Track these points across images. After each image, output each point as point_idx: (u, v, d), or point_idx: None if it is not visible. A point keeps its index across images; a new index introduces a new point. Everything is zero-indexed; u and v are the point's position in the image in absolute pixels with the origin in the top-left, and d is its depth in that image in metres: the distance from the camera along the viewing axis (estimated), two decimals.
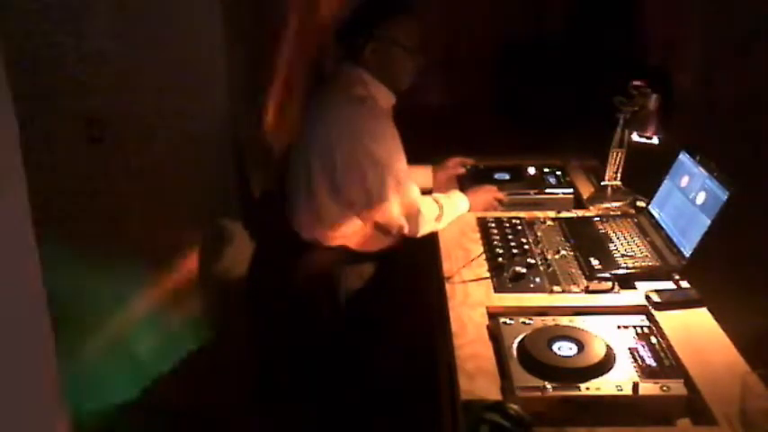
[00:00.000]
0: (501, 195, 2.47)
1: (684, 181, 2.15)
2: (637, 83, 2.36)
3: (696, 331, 1.76)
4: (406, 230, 2.27)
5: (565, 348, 1.64)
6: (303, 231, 2.29)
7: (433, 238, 2.34)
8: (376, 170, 2.18)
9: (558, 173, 2.65)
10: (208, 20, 2.39)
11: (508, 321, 1.75)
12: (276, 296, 2.36)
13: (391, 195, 2.21)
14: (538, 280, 1.99)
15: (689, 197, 2.08)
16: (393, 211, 2.23)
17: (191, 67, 2.41)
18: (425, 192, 2.42)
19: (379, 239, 2.31)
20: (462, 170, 2.70)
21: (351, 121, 2.20)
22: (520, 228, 2.28)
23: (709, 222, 1.93)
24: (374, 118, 2.22)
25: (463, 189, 2.55)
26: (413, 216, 2.25)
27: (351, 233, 2.27)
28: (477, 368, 1.64)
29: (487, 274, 2.03)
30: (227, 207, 2.61)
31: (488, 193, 2.47)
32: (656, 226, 2.21)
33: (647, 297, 1.88)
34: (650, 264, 2.04)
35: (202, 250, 2.60)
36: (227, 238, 2.61)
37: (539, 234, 2.25)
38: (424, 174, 2.62)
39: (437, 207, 2.30)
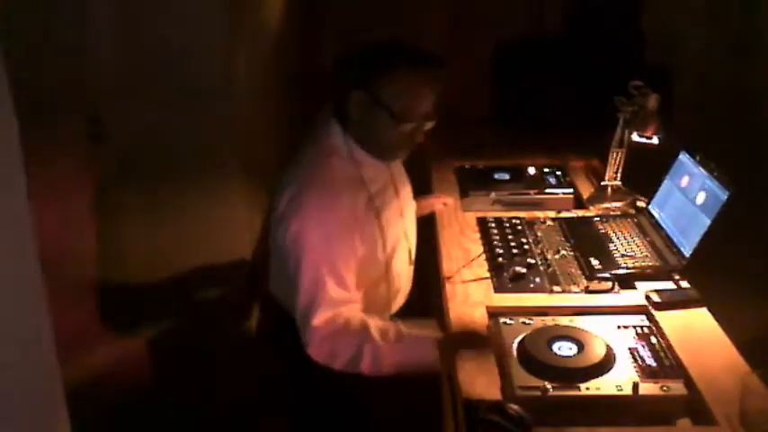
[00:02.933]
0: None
1: (684, 181, 2.15)
2: (637, 83, 2.36)
3: (696, 331, 1.76)
4: (302, 335, 1.78)
5: (565, 348, 1.64)
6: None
7: (433, 238, 2.34)
8: (305, 265, 1.76)
9: (558, 173, 2.65)
10: (208, 20, 2.39)
11: (508, 321, 1.75)
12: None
13: (304, 296, 1.77)
14: (538, 280, 1.99)
15: (689, 197, 2.08)
16: (298, 307, 1.78)
17: (191, 67, 2.41)
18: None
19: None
20: (441, 207, 2.46)
21: (304, 194, 1.79)
22: (520, 228, 2.28)
23: (709, 222, 1.93)
24: (330, 198, 1.80)
25: (464, 190, 2.54)
26: (306, 331, 1.77)
27: None
28: (477, 368, 1.64)
29: (487, 274, 2.03)
30: (230, 199, 2.61)
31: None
32: (656, 226, 2.21)
33: (647, 297, 1.88)
34: (650, 264, 2.04)
35: (203, 247, 2.60)
36: (229, 230, 2.60)
37: (539, 234, 2.25)
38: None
39: (352, 349, 1.74)
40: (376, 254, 1.90)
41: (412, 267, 2.11)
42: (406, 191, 2.10)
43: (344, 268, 1.79)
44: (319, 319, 1.74)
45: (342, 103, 1.82)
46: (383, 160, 1.91)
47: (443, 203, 2.48)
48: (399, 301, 2.07)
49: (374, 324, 1.76)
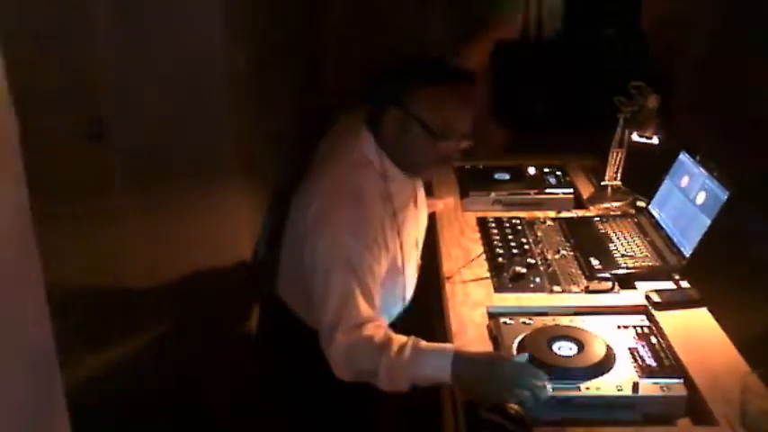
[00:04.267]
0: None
1: (684, 181, 2.15)
2: (637, 83, 2.36)
3: (696, 331, 1.76)
4: (325, 348, 1.74)
5: (565, 348, 1.64)
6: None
7: (432, 237, 2.34)
8: (337, 273, 1.72)
9: (558, 173, 2.65)
10: (208, 19, 2.39)
11: (508, 321, 1.75)
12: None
13: (332, 311, 1.72)
14: (538, 280, 1.99)
15: (689, 197, 2.08)
16: (323, 320, 1.74)
17: (191, 66, 2.41)
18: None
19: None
20: (441, 208, 2.44)
21: (338, 204, 1.77)
22: (520, 228, 2.28)
23: (709, 222, 1.93)
24: (362, 212, 1.77)
25: (463, 191, 2.54)
26: (329, 347, 1.73)
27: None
28: None
29: (487, 274, 2.03)
30: (230, 198, 2.61)
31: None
32: (656, 226, 2.21)
33: (647, 297, 1.88)
34: (650, 264, 2.04)
35: (204, 248, 2.60)
36: (229, 230, 2.60)
37: (539, 234, 2.25)
38: None
39: (370, 363, 1.66)
40: (396, 267, 1.88)
41: (416, 275, 2.09)
42: (422, 198, 2.09)
43: (373, 284, 1.75)
44: (345, 334, 1.68)
45: (377, 118, 1.80)
46: (415, 176, 1.92)
47: (443, 203, 2.48)
48: (404, 304, 2.08)
49: (396, 340, 1.67)
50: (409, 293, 2.06)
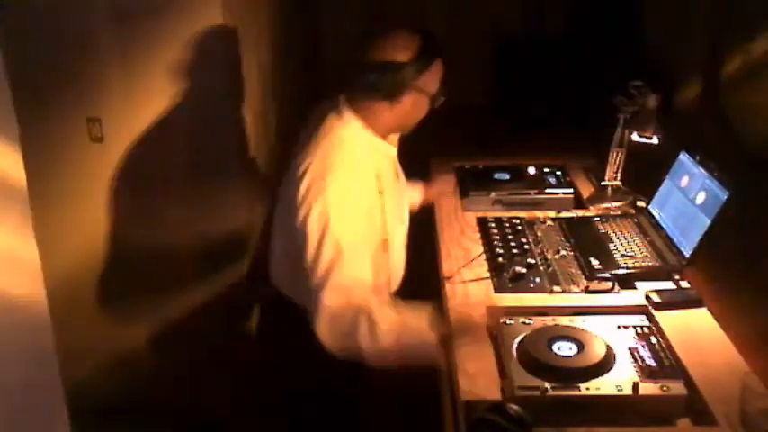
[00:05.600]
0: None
1: (684, 181, 2.15)
2: (637, 83, 2.36)
3: (696, 331, 1.76)
4: (312, 315, 1.81)
5: (565, 348, 1.64)
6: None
7: (432, 237, 2.34)
8: (327, 238, 1.79)
9: (558, 173, 2.65)
10: (208, 17, 2.39)
11: (508, 321, 1.75)
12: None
13: (319, 277, 1.79)
14: (538, 280, 1.99)
15: (689, 197, 2.08)
16: (312, 283, 1.81)
17: (191, 66, 2.41)
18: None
19: None
20: (450, 189, 2.55)
21: (328, 175, 1.83)
22: (520, 228, 2.28)
23: (709, 222, 1.93)
24: (353, 177, 1.86)
25: (463, 191, 2.54)
26: (318, 313, 1.79)
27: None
28: (477, 368, 1.64)
29: (487, 274, 2.03)
30: (230, 199, 2.61)
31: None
32: (656, 226, 2.21)
33: (647, 297, 1.88)
34: (650, 264, 2.04)
35: (204, 245, 2.60)
36: (229, 231, 2.61)
37: (539, 234, 2.25)
38: (411, 193, 2.38)
39: (365, 322, 1.76)
40: (382, 240, 1.94)
41: (405, 251, 2.12)
42: (402, 177, 2.17)
43: (362, 250, 1.83)
44: (331, 299, 1.77)
45: (371, 102, 1.90)
46: (403, 133, 2.04)
47: (438, 190, 2.50)
48: (394, 285, 2.09)
49: (378, 304, 1.79)
50: (398, 270, 2.08)
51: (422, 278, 2.39)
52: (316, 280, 1.79)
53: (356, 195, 1.85)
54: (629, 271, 2.01)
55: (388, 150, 2.02)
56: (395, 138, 2.07)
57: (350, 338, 1.78)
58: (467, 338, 1.78)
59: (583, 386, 1.51)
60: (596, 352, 1.61)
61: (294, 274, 1.88)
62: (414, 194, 2.37)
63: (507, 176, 2.65)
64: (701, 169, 2.07)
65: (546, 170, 2.67)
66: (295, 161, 1.93)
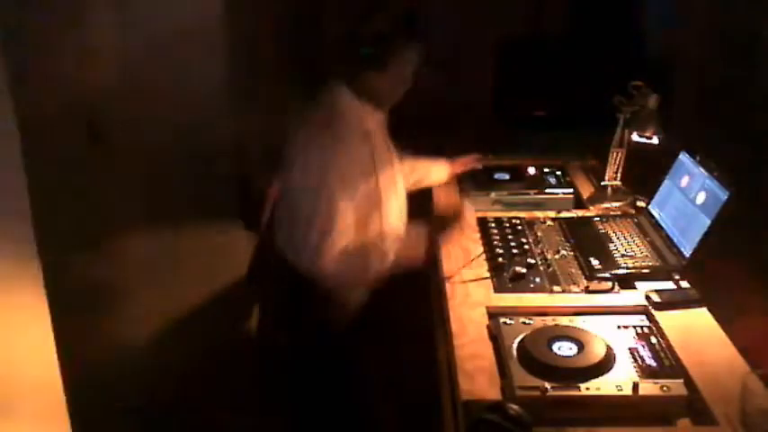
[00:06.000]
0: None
1: (684, 181, 2.15)
2: (637, 83, 2.36)
3: (696, 331, 1.76)
4: (315, 261, 2.03)
5: (565, 348, 1.64)
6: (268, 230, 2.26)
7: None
8: (323, 200, 1.99)
9: (558, 173, 2.65)
10: (207, 18, 2.39)
11: (508, 321, 1.75)
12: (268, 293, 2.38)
13: (317, 231, 2.00)
14: (538, 280, 1.99)
15: (689, 197, 2.08)
16: (308, 238, 2.01)
17: (190, 64, 2.41)
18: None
19: None
20: (479, 165, 2.64)
21: (317, 145, 2.04)
22: (520, 228, 2.28)
23: (709, 222, 1.93)
24: (342, 145, 2.05)
25: (464, 190, 2.54)
26: (318, 262, 2.01)
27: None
28: (477, 368, 1.64)
29: (487, 274, 2.03)
30: (229, 199, 2.62)
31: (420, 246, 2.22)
32: (656, 226, 2.21)
33: (647, 297, 1.88)
34: (650, 264, 2.04)
35: (203, 249, 2.60)
36: (228, 237, 2.61)
37: (539, 234, 2.25)
38: (438, 170, 2.58)
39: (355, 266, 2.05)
40: (374, 198, 2.12)
41: (403, 226, 2.23)
42: (394, 151, 2.32)
43: (359, 202, 2.04)
44: (332, 245, 1.99)
45: (358, 78, 2.08)
46: (391, 104, 2.20)
47: (462, 163, 2.60)
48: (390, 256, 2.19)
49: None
50: (389, 236, 2.16)
51: (422, 276, 2.39)
52: (319, 227, 1.98)
53: (351, 152, 2.04)
54: (629, 271, 2.01)
55: (375, 114, 2.17)
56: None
57: (357, 274, 2.06)
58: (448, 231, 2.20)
59: (583, 386, 1.51)
60: (596, 352, 1.61)
61: (295, 230, 2.05)
62: (439, 169, 2.55)
63: (507, 176, 2.66)
64: (701, 169, 2.07)
65: (546, 170, 2.67)
66: (292, 142, 2.10)
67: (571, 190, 2.55)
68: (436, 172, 2.57)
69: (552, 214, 2.38)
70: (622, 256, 2.08)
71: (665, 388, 1.50)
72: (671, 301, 1.86)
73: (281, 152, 2.20)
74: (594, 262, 2.04)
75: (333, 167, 2.01)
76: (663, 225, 2.18)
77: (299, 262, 2.06)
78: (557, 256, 2.11)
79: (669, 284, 1.94)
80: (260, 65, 2.73)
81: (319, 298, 2.14)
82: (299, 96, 2.31)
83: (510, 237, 2.22)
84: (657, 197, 2.29)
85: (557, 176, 2.63)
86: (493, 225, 2.30)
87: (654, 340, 1.70)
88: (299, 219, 2.04)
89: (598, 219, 2.32)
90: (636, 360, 1.62)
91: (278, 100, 2.71)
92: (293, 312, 2.32)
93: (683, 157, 2.20)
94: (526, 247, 2.16)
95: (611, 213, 2.39)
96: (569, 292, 1.94)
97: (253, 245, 2.60)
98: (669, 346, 1.68)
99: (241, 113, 2.57)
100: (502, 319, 1.76)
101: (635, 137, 2.39)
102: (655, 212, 2.26)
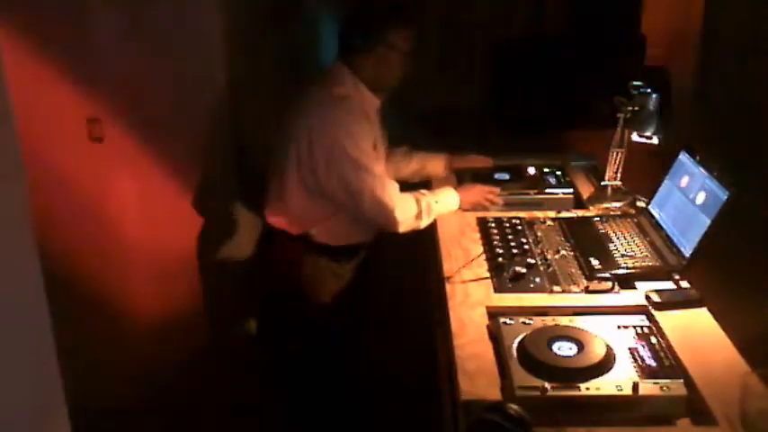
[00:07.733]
0: (494, 197, 2.46)
1: (684, 181, 2.15)
2: (637, 83, 2.36)
3: (696, 331, 1.76)
4: (384, 226, 2.31)
5: (565, 348, 1.64)
6: (270, 215, 2.35)
7: (433, 237, 2.34)
8: (354, 170, 2.21)
9: (558, 173, 2.65)
10: (207, 17, 2.39)
11: (508, 321, 1.75)
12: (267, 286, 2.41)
13: (367, 192, 2.23)
14: (538, 280, 1.99)
15: (689, 197, 2.08)
16: (368, 208, 2.26)
17: (190, 63, 2.41)
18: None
19: (345, 235, 2.37)
20: (488, 164, 2.73)
21: (330, 120, 2.23)
22: (520, 228, 2.28)
23: (709, 222, 1.93)
24: (353, 119, 2.25)
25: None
26: (387, 215, 2.26)
27: (314, 222, 2.33)
28: (477, 368, 1.64)
29: (487, 274, 2.03)
30: (229, 199, 2.61)
31: (481, 193, 2.46)
32: (656, 226, 2.21)
33: (647, 297, 1.88)
34: (650, 264, 2.04)
35: (204, 245, 2.60)
36: (228, 231, 2.61)
37: (539, 234, 2.25)
38: (435, 162, 2.67)
39: (415, 206, 2.29)
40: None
41: None
42: (386, 143, 2.51)
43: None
44: (384, 188, 2.24)
45: (352, 59, 2.30)
46: (388, 89, 2.38)
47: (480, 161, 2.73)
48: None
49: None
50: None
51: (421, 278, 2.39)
52: (366, 191, 2.21)
53: (361, 127, 2.24)
54: (629, 271, 2.01)
55: (373, 99, 2.35)
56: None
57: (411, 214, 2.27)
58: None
59: (583, 386, 1.51)
60: (596, 352, 1.61)
61: (313, 200, 2.27)
62: (436, 162, 2.68)
63: (507, 176, 2.66)
64: (701, 169, 2.07)
65: (546, 170, 2.67)
66: (291, 122, 2.27)
67: (571, 190, 2.55)
68: (433, 164, 2.63)
69: (552, 214, 2.38)
70: (622, 256, 2.08)
71: (665, 388, 1.50)
72: (671, 301, 1.86)
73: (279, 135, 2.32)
74: (594, 262, 2.04)
75: (348, 140, 2.19)
76: (663, 225, 2.18)
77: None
78: (557, 256, 2.11)
79: (669, 284, 1.94)
80: (259, 54, 2.73)
81: (294, 297, 2.30)
82: (295, 82, 2.49)
83: (510, 237, 2.22)
84: (657, 197, 2.29)
85: (557, 176, 2.63)
86: (493, 225, 2.30)
87: (654, 340, 1.70)
88: (341, 199, 2.24)
89: (598, 219, 2.32)
90: (636, 360, 1.62)
91: (278, 90, 2.72)
92: (289, 313, 2.33)
93: (683, 157, 2.20)
94: (526, 247, 2.16)
95: (611, 213, 2.39)
96: (569, 292, 1.94)
97: (253, 245, 2.60)
98: (669, 346, 1.68)
99: (241, 112, 2.57)
100: (502, 319, 1.76)
101: (635, 137, 2.39)
102: (655, 212, 2.26)
